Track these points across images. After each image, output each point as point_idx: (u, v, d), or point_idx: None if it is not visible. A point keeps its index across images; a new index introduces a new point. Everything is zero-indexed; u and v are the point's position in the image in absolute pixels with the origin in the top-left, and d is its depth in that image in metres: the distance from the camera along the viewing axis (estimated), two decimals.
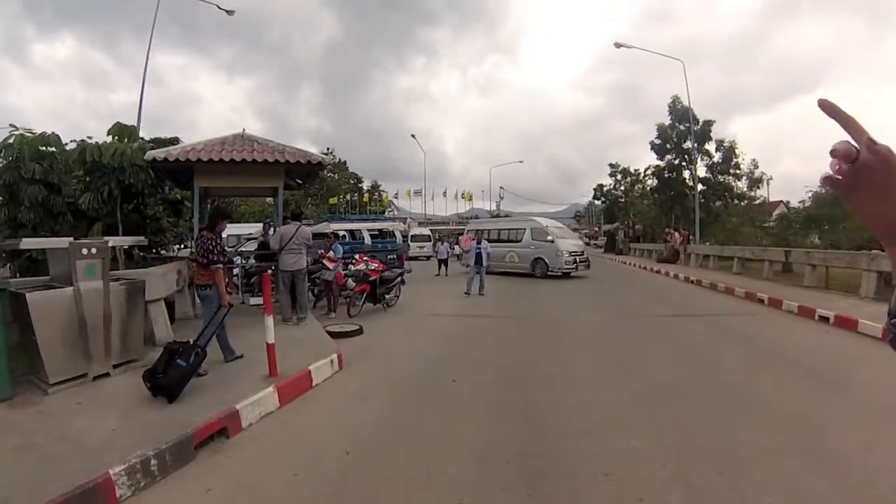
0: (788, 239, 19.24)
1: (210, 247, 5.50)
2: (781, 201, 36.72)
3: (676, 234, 25.85)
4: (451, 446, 3.80)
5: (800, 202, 24.92)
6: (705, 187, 30.68)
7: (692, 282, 15.92)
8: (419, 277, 18.26)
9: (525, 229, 18.81)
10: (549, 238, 17.81)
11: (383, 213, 52.36)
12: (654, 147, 32.47)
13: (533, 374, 5.78)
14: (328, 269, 10.01)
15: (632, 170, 48.30)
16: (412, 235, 34.01)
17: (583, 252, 18.47)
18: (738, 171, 30.68)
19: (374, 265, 10.32)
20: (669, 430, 4.05)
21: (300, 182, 11.79)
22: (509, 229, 19.72)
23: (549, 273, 17.39)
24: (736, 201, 30.78)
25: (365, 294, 9.98)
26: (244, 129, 10.11)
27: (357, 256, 13.32)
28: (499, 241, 19.41)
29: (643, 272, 21.85)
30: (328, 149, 50.03)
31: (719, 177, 31.13)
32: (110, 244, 5.24)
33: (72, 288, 4.76)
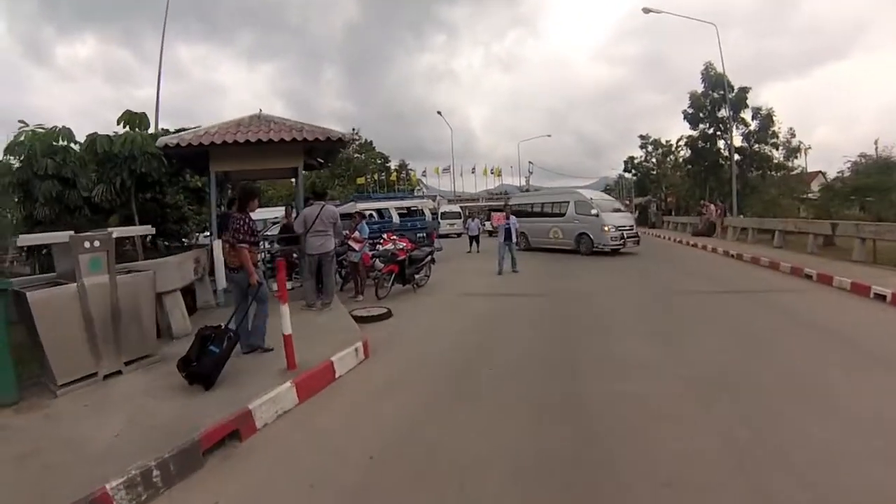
0: (831, 211, 18.07)
1: (238, 226, 5.27)
2: (819, 171, 34.98)
3: (712, 206, 24.73)
4: (487, 452, 3.37)
5: (839, 172, 23.75)
6: (741, 157, 29.12)
7: (732, 256, 15.06)
8: (450, 255, 17.84)
9: (568, 202, 17.48)
10: (594, 212, 16.41)
11: (412, 191, 51.94)
12: (686, 116, 30.98)
13: (574, 361, 5.29)
14: (354, 250, 9.65)
15: (663, 141, 46.72)
16: (442, 213, 33.55)
17: (632, 227, 17.02)
18: (776, 140, 28.97)
19: (402, 244, 9.92)
20: (734, 427, 3.53)
21: (321, 161, 11.39)
22: (552, 202, 18.54)
23: (594, 249, 16.08)
24: (774, 172, 29.20)
25: (393, 275, 9.60)
26: (260, 110, 9.73)
27: (385, 236, 12.99)
28: (542, 215, 18.58)
29: (679, 246, 20.89)
30: (354, 129, 49.58)
31: (756, 146, 29.45)
32: (115, 235, 4.91)
33: (76, 284, 4.47)
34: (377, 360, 5.64)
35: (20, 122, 8.88)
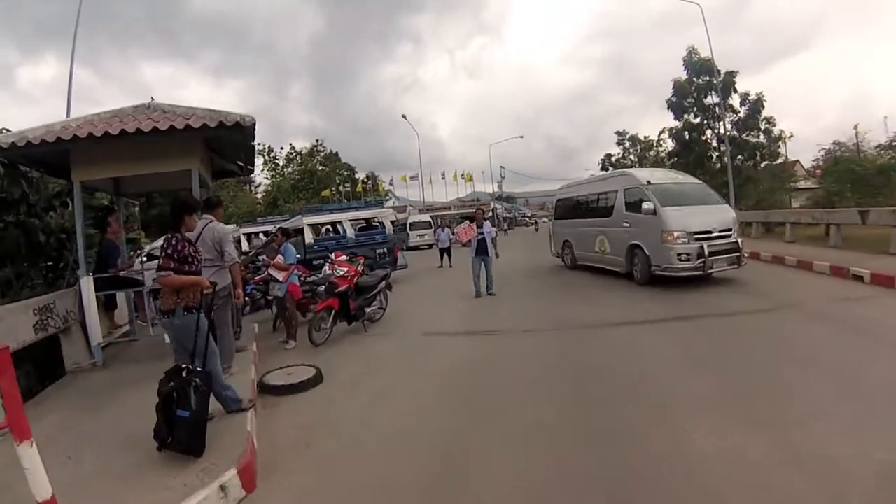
0: (833, 199, 16.35)
1: (166, 251, 3.85)
2: (796, 161, 33.99)
3: None
4: None
5: (814, 161, 24.08)
6: (731, 146, 27.40)
7: (746, 255, 12.86)
8: (418, 272, 15.33)
9: (616, 192, 10.87)
10: (648, 206, 9.47)
11: (381, 202, 49.31)
12: (671, 106, 29.02)
13: (622, 480, 2.81)
14: (278, 280, 7.08)
15: (641, 136, 45.14)
16: (411, 223, 31.12)
17: (729, 232, 9.51)
18: (769, 127, 27.23)
19: (343, 270, 7.35)
20: None
21: (242, 165, 8.78)
22: (598, 194, 11.89)
23: (657, 273, 9.35)
24: (769, 160, 27.56)
25: (333, 312, 7.05)
26: (152, 98, 7.10)
27: (332, 256, 10.46)
28: (587, 213, 12.25)
29: None
30: (318, 140, 47.07)
31: (746, 134, 27.69)
32: None
33: None
34: (270, 495, 3.10)
35: None
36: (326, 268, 10.15)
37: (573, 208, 13.20)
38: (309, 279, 8.56)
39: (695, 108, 28.46)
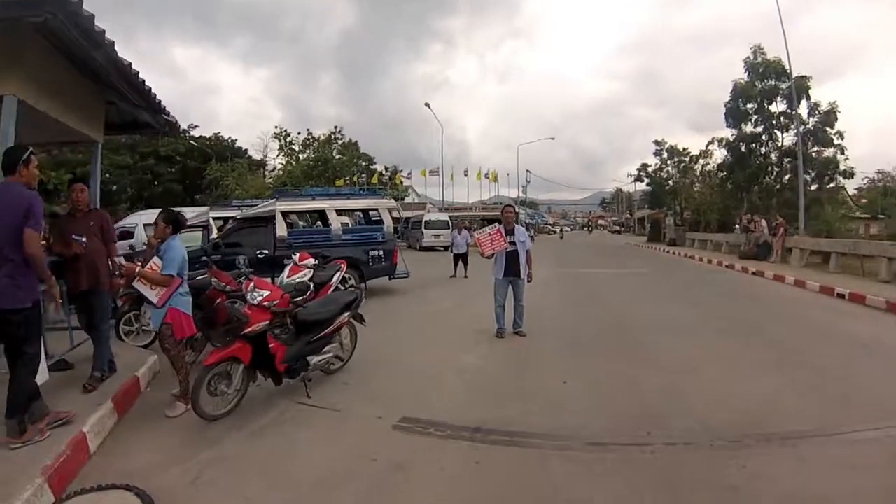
0: None
1: None
2: (843, 186, 30.46)
3: (763, 221, 19.43)
4: None
5: (855, 189, 23.88)
6: (797, 161, 23.77)
7: (842, 297, 9.74)
8: (424, 282, 12.25)
9: None
10: None
11: (402, 198, 46.15)
12: (729, 111, 25.44)
13: None
14: (151, 303, 3.99)
15: (679, 147, 41.55)
16: (426, 221, 27.91)
17: None
18: (840, 143, 23.44)
19: (261, 294, 4.14)
20: None
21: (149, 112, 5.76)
22: None
23: None
24: (841, 178, 23.93)
25: (242, 368, 3.95)
26: None
27: (296, 257, 7.44)
28: None
29: (737, 275, 15.24)
30: (336, 127, 44.11)
31: (815, 149, 23.89)
32: None
33: None
34: None
35: None
36: (286, 273, 7.16)
37: None
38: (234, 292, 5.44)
39: (756, 116, 24.83)
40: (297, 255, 7.27)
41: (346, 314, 4.87)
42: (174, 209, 4.48)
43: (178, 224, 4.15)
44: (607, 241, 44.76)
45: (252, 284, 4.19)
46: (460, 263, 13.91)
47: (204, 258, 9.20)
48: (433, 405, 4.23)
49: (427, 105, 37.89)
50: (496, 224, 6.93)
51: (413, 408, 4.11)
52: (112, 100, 5.56)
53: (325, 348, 4.65)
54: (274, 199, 10.56)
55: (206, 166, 36.45)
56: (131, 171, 38.78)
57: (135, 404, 4.31)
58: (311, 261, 7.06)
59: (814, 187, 23.58)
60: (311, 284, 6.18)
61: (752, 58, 24.39)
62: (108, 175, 39.92)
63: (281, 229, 9.66)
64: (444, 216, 29.98)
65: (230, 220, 12.05)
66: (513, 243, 6.58)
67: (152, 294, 3.99)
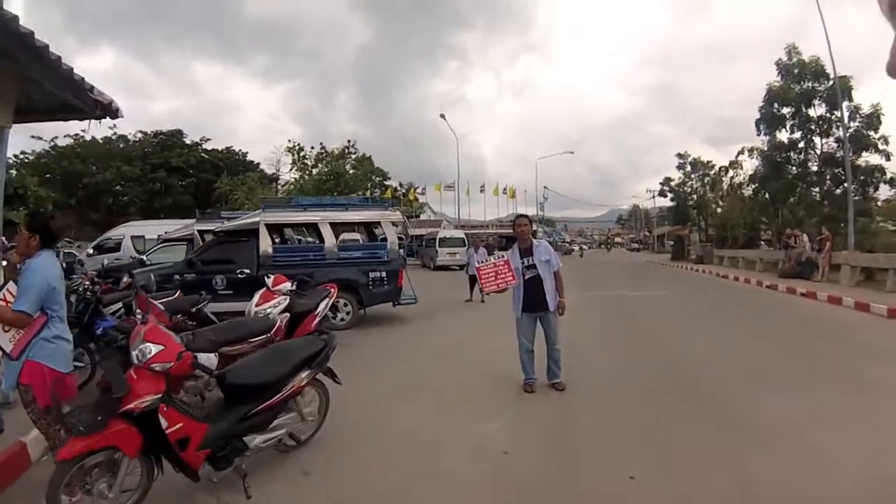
0: None
1: None
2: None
3: (805, 237, 17.69)
4: None
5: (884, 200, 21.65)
6: (839, 170, 21.90)
7: None
8: (434, 307, 10.79)
9: None
10: None
11: (416, 215, 44.95)
12: (764, 116, 23.67)
13: None
14: (4, 350, 2.59)
15: (703, 160, 39.89)
16: (441, 238, 26.63)
17: None
18: (886, 149, 21.60)
19: (153, 350, 2.64)
20: None
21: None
22: None
23: None
24: (889, 187, 22.04)
25: (125, 461, 2.53)
26: None
27: (269, 280, 6.07)
28: None
29: (784, 297, 13.51)
30: (349, 141, 43.44)
31: (857, 156, 21.98)
32: None
33: None
34: None
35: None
36: (254, 301, 5.81)
37: None
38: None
39: (794, 121, 23.02)
40: (272, 278, 5.88)
41: (307, 373, 3.33)
42: (48, 212, 3.11)
43: (48, 233, 2.76)
44: (628, 259, 42.89)
45: (142, 330, 2.71)
46: (476, 286, 12.43)
47: (177, 277, 7.97)
48: None
49: (442, 116, 36.96)
50: (503, 254, 5.25)
51: None
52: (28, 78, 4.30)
53: (275, 422, 3.16)
54: (259, 210, 9.23)
55: (217, 179, 36.03)
56: (140, 183, 38.50)
57: (16, 480, 2.98)
58: (287, 285, 5.65)
59: (856, 198, 21.74)
60: (279, 319, 4.79)
61: (785, 59, 22.74)
62: (118, 187, 39.76)
63: (265, 245, 8.33)
64: (459, 233, 28.67)
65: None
66: (531, 267, 4.95)
67: (5, 339, 2.61)
